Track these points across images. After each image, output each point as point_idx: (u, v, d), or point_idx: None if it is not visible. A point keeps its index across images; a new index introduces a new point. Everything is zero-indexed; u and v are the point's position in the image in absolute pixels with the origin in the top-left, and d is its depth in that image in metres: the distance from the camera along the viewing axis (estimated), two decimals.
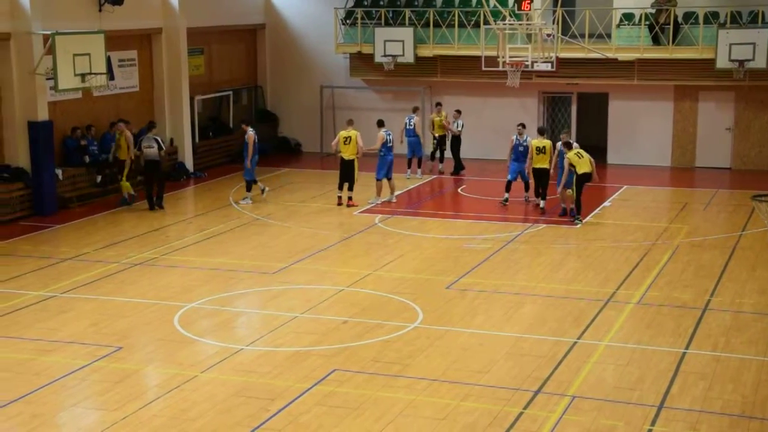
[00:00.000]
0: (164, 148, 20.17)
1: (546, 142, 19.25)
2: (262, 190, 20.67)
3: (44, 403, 10.16)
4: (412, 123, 22.81)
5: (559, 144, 19.06)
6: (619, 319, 12.93)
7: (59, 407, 10.13)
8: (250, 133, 20.21)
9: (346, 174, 19.73)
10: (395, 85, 26.41)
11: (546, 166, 19.17)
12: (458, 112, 23.65)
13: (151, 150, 19.49)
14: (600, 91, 25.15)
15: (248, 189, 20.36)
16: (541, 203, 19.40)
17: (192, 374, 10.91)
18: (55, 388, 10.56)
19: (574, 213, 18.54)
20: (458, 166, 23.81)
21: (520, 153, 19.60)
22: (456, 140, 23.72)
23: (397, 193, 20.95)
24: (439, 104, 24.17)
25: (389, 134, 20.20)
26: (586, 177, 18.18)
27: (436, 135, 23.63)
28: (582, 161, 18.08)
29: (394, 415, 9.81)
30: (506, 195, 20.05)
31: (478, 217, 19.32)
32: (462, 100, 25.49)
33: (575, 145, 18.71)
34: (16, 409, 9.98)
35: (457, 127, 23.46)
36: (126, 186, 19.95)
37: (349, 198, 19.89)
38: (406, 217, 19.13)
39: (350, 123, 20.29)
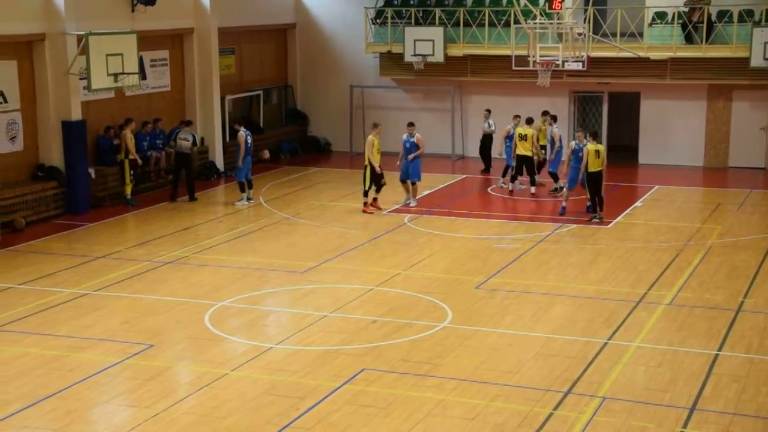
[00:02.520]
0: (197, 144, 20.56)
1: (529, 131, 20.55)
2: (249, 198, 20.29)
3: (78, 399, 10.27)
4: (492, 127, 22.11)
5: (573, 142, 19.04)
6: (650, 320, 12.83)
7: (92, 403, 10.24)
8: (241, 133, 20.18)
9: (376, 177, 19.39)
10: (425, 85, 26.39)
11: (528, 153, 20.53)
12: (488, 111, 23.56)
13: (185, 143, 20.21)
14: (631, 90, 24.97)
15: (242, 189, 20.28)
16: (532, 189, 20.74)
17: (222, 372, 10.98)
18: (88, 384, 10.67)
19: (590, 209, 18.51)
20: (488, 166, 23.75)
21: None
22: (487, 139, 23.62)
23: (426, 192, 20.95)
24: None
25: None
26: (596, 175, 18.06)
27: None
28: (598, 160, 18.02)
29: (423, 414, 9.81)
30: (556, 185, 20.91)
31: (507, 216, 19.26)
32: (492, 99, 25.41)
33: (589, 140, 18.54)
34: (51, 404, 10.10)
35: (489, 126, 23.37)
36: (128, 187, 20.17)
37: (375, 199, 19.62)
38: (435, 216, 19.11)
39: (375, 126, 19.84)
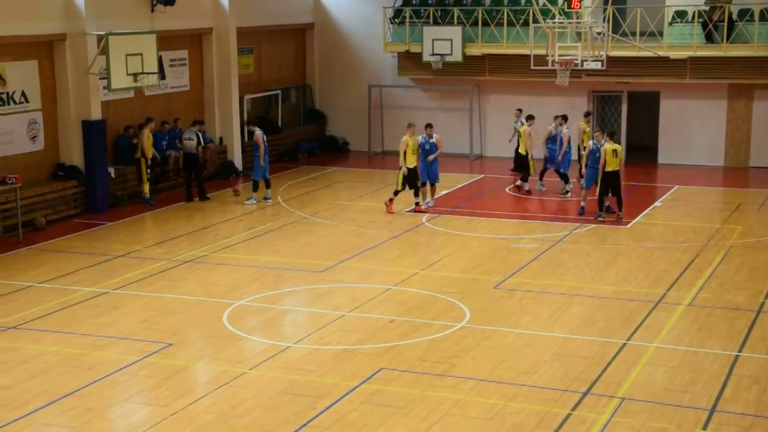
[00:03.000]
0: (203, 144, 20.71)
1: (523, 129, 21.22)
2: (266, 198, 20.42)
3: (97, 397, 10.33)
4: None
5: (591, 142, 18.97)
6: (669, 320, 12.76)
7: (111, 401, 10.30)
8: (258, 133, 20.21)
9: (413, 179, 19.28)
10: (443, 84, 26.36)
11: (522, 151, 21.09)
12: (520, 110, 23.43)
13: (190, 142, 20.31)
14: (651, 90, 24.84)
15: (254, 189, 20.34)
16: (526, 186, 21.04)
17: (240, 371, 11.01)
18: (107, 382, 10.73)
19: (600, 208, 18.45)
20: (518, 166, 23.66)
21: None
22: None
23: (444, 192, 20.94)
24: (530, 117, 23.57)
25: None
26: (613, 174, 17.99)
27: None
28: (616, 160, 17.96)
29: (441, 414, 9.80)
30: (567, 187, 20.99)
31: (525, 216, 19.21)
32: (510, 99, 25.34)
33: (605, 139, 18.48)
34: (71, 402, 10.17)
35: (521, 125, 23.30)
36: (145, 186, 20.26)
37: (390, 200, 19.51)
38: (453, 216, 19.08)
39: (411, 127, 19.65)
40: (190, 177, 20.57)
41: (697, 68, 23.74)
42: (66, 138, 19.51)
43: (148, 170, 20.12)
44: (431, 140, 19.47)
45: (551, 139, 20.94)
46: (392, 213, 19.18)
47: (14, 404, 10.11)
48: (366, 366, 11.12)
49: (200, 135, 20.56)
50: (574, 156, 21.29)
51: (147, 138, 19.99)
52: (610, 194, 18.40)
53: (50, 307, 13.43)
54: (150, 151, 20.07)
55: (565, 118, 21.31)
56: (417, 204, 19.34)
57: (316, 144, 27.31)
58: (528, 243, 16.96)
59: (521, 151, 21.27)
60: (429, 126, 19.73)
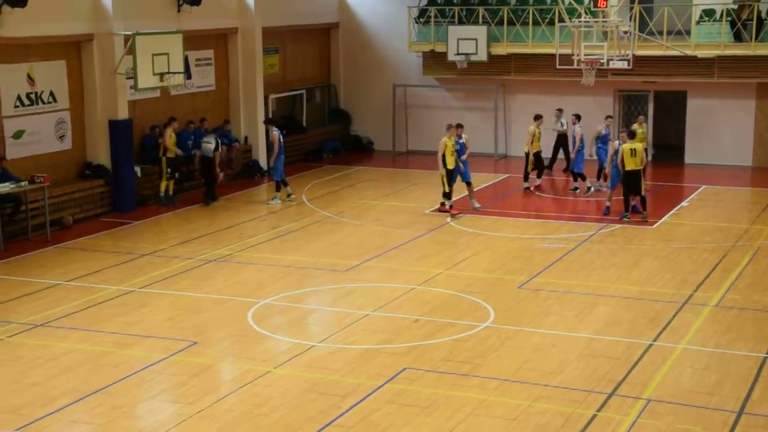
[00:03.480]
0: (220, 150, 20.54)
1: (531, 128, 21.33)
2: (289, 195, 20.50)
3: (124, 395, 10.41)
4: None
5: (616, 142, 18.88)
6: (696, 321, 12.66)
7: (137, 399, 10.37)
8: (275, 133, 20.26)
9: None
10: (468, 84, 26.31)
11: (526, 150, 21.26)
12: (560, 110, 23.34)
13: (208, 146, 20.24)
14: (678, 89, 24.66)
15: (277, 189, 20.40)
16: (537, 181, 21.36)
17: (265, 370, 11.05)
18: (133, 380, 10.81)
19: (626, 208, 18.33)
20: (551, 165, 23.64)
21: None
22: (561, 139, 23.42)
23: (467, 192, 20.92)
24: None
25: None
26: (633, 174, 17.88)
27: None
28: (634, 159, 17.85)
29: (465, 414, 9.78)
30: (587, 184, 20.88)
31: (550, 216, 19.13)
32: (535, 98, 25.26)
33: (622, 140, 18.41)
34: (97, 400, 10.25)
35: (562, 126, 23.26)
36: (164, 185, 20.35)
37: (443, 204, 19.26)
38: (477, 216, 19.03)
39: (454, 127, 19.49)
40: (209, 179, 20.40)
41: (725, 67, 23.53)
42: (93, 137, 19.67)
43: (169, 169, 20.23)
44: (461, 140, 19.38)
45: (601, 139, 20.71)
46: (455, 213, 18.87)
47: (42, 401, 10.21)
48: (390, 365, 11.13)
49: (218, 141, 20.37)
50: (587, 155, 21.23)
51: (169, 137, 20.10)
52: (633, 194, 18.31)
53: (77, 305, 13.55)
54: (173, 151, 20.18)
55: (578, 117, 21.39)
56: (448, 205, 19.08)
57: (341, 143, 27.35)
58: (553, 243, 16.89)
59: (525, 149, 21.33)
60: (459, 126, 19.62)
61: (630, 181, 18.09)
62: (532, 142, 21.26)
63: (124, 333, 12.39)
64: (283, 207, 20.16)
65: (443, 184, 18.95)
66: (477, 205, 19.49)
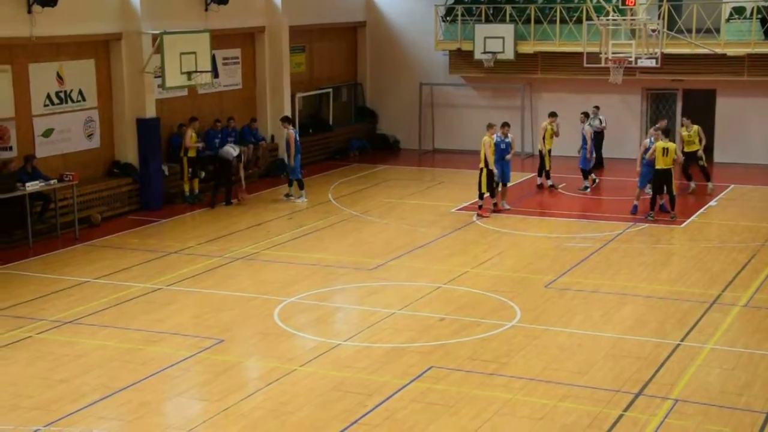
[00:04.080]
0: (242, 161, 20.46)
1: (547, 124, 21.26)
2: (300, 195, 20.38)
3: (151, 392, 10.48)
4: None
5: (647, 140, 18.73)
6: (725, 321, 12.55)
7: (165, 396, 10.44)
8: (291, 131, 20.23)
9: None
10: (495, 82, 26.22)
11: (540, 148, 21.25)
12: (597, 108, 23.25)
13: (231, 150, 20.02)
14: (707, 87, 24.43)
15: (301, 187, 20.38)
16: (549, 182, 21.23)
17: (291, 368, 11.09)
18: (160, 377, 10.88)
19: (652, 207, 18.21)
20: (599, 162, 23.53)
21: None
22: (599, 136, 23.33)
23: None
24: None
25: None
26: (664, 172, 17.75)
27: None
28: (665, 158, 17.75)
29: (491, 413, 9.76)
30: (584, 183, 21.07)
31: (577, 215, 19.04)
32: (562, 97, 25.14)
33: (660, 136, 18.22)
34: (125, 397, 10.33)
35: (600, 123, 23.19)
36: (187, 185, 20.42)
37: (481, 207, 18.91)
38: (504, 215, 18.97)
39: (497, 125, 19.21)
40: (227, 180, 20.05)
41: (755, 65, 23.29)
42: (121, 136, 19.82)
43: (190, 169, 20.33)
44: (507, 140, 19.15)
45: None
46: (488, 216, 18.61)
47: (71, 397, 10.31)
48: (416, 364, 11.12)
49: (241, 151, 20.39)
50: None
51: (189, 137, 20.18)
52: (664, 192, 18.17)
53: (105, 303, 13.66)
54: (194, 150, 20.24)
55: (586, 114, 21.43)
56: (495, 205, 18.94)
57: (367, 142, 27.36)
58: (579, 242, 16.80)
59: (539, 147, 21.33)
60: (506, 125, 19.43)
61: (661, 180, 17.96)
62: (544, 138, 21.19)
63: (151, 330, 12.47)
64: (310, 205, 20.17)
65: (481, 184, 18.58)
66: (507, 206, 19.34)
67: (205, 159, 20.98)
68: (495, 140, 18.79)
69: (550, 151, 21.27)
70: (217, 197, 20.07)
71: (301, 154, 20.64)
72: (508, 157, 19.12)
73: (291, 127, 20.57)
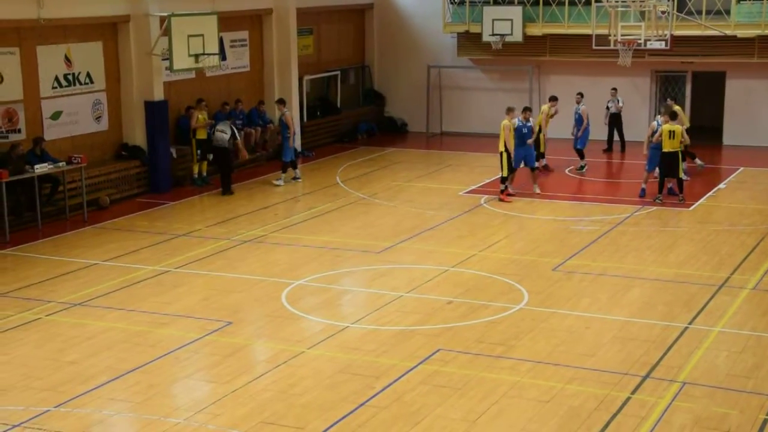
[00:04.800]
0: (239, 138, 19.84)
1: (545, 108, 21.11)
2: (295, 178, 20.42)
3: (159, 374, 10.53)
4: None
5: (654, 122, 18.67)
6: (733, 304, 12.53)
7: (173, 378, 10.49)
8: (287, 113, 20.13)
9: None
10: (503, 65, 26.13)
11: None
12: (615, 90, 23.20)
13: (222, 135, 19.37)
14: (716, 69, 24.30)
15: (294, 167, 20.42)
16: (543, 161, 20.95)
17: (299, 350, 11.12)
18: (169, 359, 10.93)
19: (660, 190, 18.19)
20: (610, 146, 23.58)
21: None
22: (615, 118, 23.26)
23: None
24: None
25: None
26: (670, 155, 17.73)
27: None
28: (672, 141, 17.69)
29: (498, 396, 9.78)
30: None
31: (585, 198, 19.00)
32: (571, 79, 25.02)
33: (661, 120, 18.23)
34: (134, 378, 10.39)
35: (619, 103, 23.15)
36: (196, 167, 20.44)
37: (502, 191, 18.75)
38: (511, 197, 18.92)
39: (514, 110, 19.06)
40: (226, 170, 19.61)
41: (765, 47, 23.16)
42: (129, 118, 19.83)
43: (199, 151, 20.32)
44: (528, 124, 18.98)
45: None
46: (511, 200, 18.47)
47: (80, 379, 10.37)
48: (423, 347, 11.15)
49: (235, 129, 19.75)
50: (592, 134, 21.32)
51: (195, 119, 20.16)
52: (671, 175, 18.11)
53: (114, 285, 13.71)
54: (201, 133, 20.20)
55: (581, 95, 21.46)
56: (506, 189, 18.68)
57: (375, 125, 27.33)
58: (587, 225, 16.77)
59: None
60: (527, 110, 19.26)
61: (667, 163, 17.90)
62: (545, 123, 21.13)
63: (160, 312, 12.52)
64: (318, 188, 20.17)
65: (503, 168, 18.43)
66: (538, 190, 19.20)
67: (204, 141, 20.98)
68: (516, 124, 18.64)
69: (545, 134, 21.10)
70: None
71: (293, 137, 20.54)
72: (530, 141, 18.99)
73: (285, 108, 20.46)
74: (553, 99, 21.49)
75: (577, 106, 21.24)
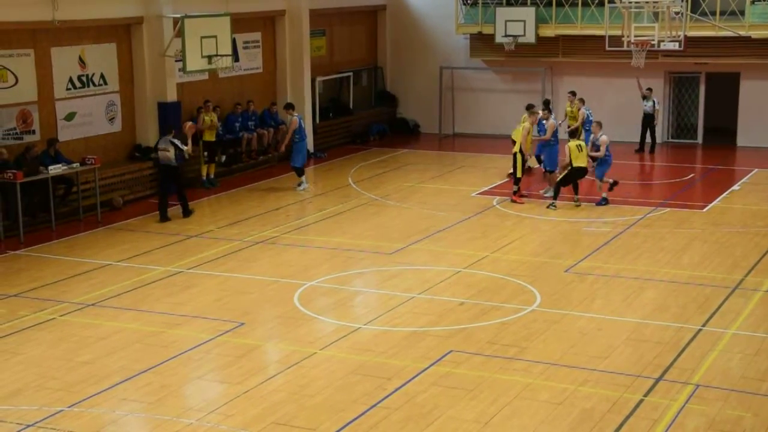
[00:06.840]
0: (183, 151, 17.49)
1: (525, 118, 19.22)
2: (300, 184, 20.06)
3: (172, 374, 10.56)
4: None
5: (554, 121, 18.79)
6: (747, 306, 12.47)
7: (185, 379, 10.52)
8: (295, 118, 19.93)
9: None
10: (515, 66, 26.09)
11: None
12: (650, 90, 23.18)
13: (165, 153, 17.38)
14: (731, 70, 24.19)
15: (299, 174, 19.97)
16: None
17: (311, 351, 11.13)
18: (181, 360, 10.96)
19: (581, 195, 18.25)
20: (642, 147, 23.49)
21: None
22: (648, 119, 23.24)
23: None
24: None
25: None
26: (581, 171, 17.93)
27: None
28: (581, 155, 17.73)
29: (510, 398, 9.76)
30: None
31: (597, 200, 18.93)
32: (584, 81, 24.96)
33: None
34: (146, 379, 10.42)
35: (655, 105, 23.15)
36: (204, 169, 20.43)
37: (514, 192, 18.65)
38: (524, 199, 18.88)
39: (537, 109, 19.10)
40: (165, 191, 17.52)
41: None
42: (142, 119, 19.90)
43: (206, 153, 20.34)
44: (544, 122, 19.02)
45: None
46: (524, 201, 18.42)
47: (93, 379, 10.41)
48: (436, 348, 11.14)
49: (176, 143, 17.38)
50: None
51: (201, 120, 20.18)
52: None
53: (127, 286, 13.76)
54: (209, 135, 20.23)
55: (582, 100, 21.31)
56: (518, 190, 18.58)
57: (387, 126, 27.33)
58: (600, 227, 16.73)
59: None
60: (546, 109, 19.28)
61: (576, 178, 17.97)
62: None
63: (172, 313, 12.56)
64: (330, 189, 20.18)
65: (518, 169, 18.35)
66: (548, 194, 19.10)
67: (226, 143, 21.03)
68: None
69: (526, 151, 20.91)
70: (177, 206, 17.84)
71: (305, 141, 20.36)
72: (544, 137, 18.93)
73: (294, 113, 20.31)
74: (546, 104, 20.69)
75: (596, 137, 18.57)
